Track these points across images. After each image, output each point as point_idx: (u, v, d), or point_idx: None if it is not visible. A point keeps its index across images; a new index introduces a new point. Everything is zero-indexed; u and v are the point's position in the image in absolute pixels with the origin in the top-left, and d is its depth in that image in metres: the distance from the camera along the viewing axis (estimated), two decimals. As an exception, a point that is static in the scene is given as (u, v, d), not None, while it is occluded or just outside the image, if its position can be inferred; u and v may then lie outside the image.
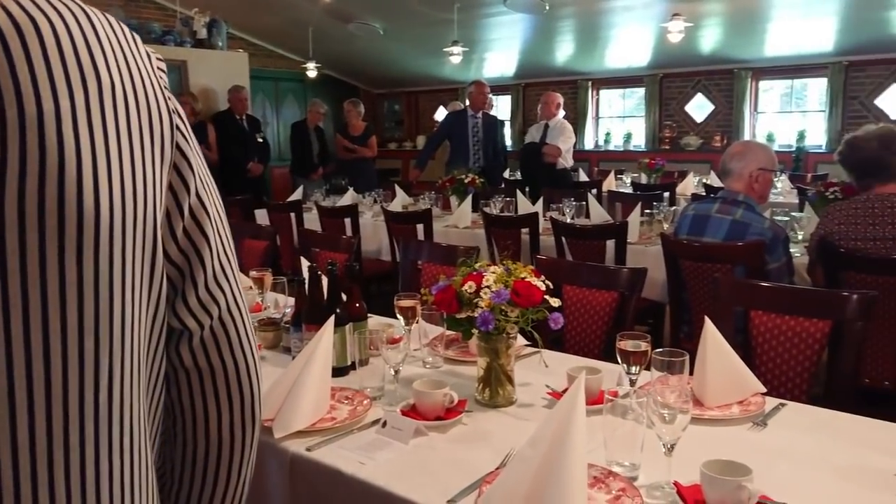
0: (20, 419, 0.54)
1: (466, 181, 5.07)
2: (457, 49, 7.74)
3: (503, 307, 1.56)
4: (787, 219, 3.63)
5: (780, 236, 2.69)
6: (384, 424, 1.49)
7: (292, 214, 4.95)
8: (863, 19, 7.19)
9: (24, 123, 0.52)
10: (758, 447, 1.42)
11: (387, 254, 4.69)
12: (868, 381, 2.43)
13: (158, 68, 0.67)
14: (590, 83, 9.93)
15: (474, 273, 1.62)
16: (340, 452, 1.41)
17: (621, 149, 9.83)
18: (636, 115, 9.94)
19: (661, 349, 1.49)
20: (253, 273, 2.44)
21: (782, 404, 1.64)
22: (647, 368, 1.55)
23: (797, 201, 5.03)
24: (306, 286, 1.93)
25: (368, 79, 11.67)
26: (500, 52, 9.89)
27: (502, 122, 7.06)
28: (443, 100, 11.08)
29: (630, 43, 8.80)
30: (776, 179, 5.47)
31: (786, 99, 9.03)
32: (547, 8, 7.42)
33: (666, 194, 5.53)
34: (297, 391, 1.52)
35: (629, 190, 6.27)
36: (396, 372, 1.68)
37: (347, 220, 4.64)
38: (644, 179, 6.78)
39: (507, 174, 7.13)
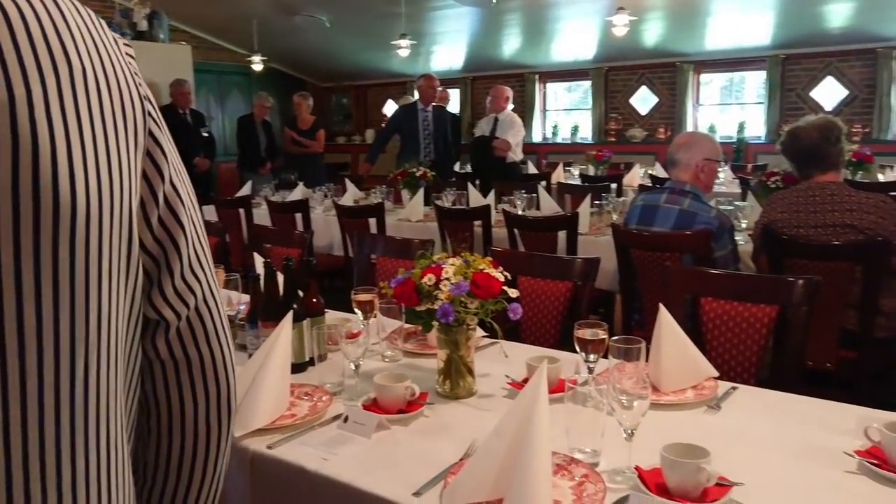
0: None
1: (418, 175, 5.05)
2: (405, 42, 7.70)
3: (463, 299, 1.56)
4: (731, 208, 3.72)
5: (725, 225, 2.76)
6: (346, 419, 1.48)
7: (241, 210, 4.87)
8: (798, 14, 7.44)
9: None
10: (714, 430, 1.46)
11: (339, 248, 4.65)
12: (811, 363, 2.52)
13: (127, 54, 0.65)
14: (537, 76, 10.01)
15: (433, 265, 1.62)
16: (303, 449, 1.39)
17: (569, 141, 9.96)
18: (582, 107, 10.07)
19: (617, 337, 1.52)
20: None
21: (734, 388, 1.69)
22: (605, 356, 1.58)
23: (739, 191, 5.17)
24: (262, 282, 1.90)
25: (316, 72, 11.53)
26: (449, 46, 9.89)
27: (457, 117, 7.03)
28: (391, 93, 11.02)
29: (576, 36, 8.92)
30: (720, 170, 5.61)
31: (726, 91, 9.29)
32: (494, 1, 7.45)
33: (614, 185, 5.63)
34: (257, 388, 1.49)
35: (577, 182, 6.36)
36: (357, 366, 1.67)
37: (298, 216, 4.60)
38: (592, 171, 6.88)
39: (457, 167, 7.14)
